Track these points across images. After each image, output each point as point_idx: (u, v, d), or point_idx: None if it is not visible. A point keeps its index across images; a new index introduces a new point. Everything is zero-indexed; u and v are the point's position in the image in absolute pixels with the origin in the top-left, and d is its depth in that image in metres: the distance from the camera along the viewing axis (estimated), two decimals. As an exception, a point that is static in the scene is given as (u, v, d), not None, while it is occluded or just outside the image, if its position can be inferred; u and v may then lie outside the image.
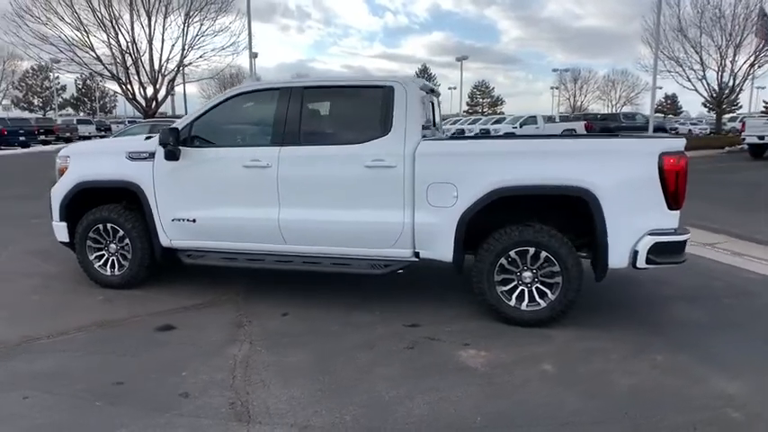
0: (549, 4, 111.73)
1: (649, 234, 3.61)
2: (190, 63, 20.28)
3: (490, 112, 73.94)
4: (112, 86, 20.02)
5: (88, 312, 4.14)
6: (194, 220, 4.38)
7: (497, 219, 3.91)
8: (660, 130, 29.52)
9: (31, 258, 5.63)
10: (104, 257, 4.69)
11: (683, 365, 3.29)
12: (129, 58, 18.78)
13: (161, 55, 19.40)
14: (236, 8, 20.43)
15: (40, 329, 3.77)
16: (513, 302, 3.88)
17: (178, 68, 20.30)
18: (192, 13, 19.08)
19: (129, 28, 18.44)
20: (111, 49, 18.42)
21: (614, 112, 49.20)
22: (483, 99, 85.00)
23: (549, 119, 34.65)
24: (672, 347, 3.53)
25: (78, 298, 4.49)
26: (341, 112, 4.31)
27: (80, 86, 58.95)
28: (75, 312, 4.14)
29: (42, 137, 27.88)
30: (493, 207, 3.82)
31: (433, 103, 4.98)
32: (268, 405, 2.82)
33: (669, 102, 77.17)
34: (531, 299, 3.88)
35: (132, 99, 19.34)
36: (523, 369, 3.25)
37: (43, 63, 34.23)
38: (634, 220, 3.63)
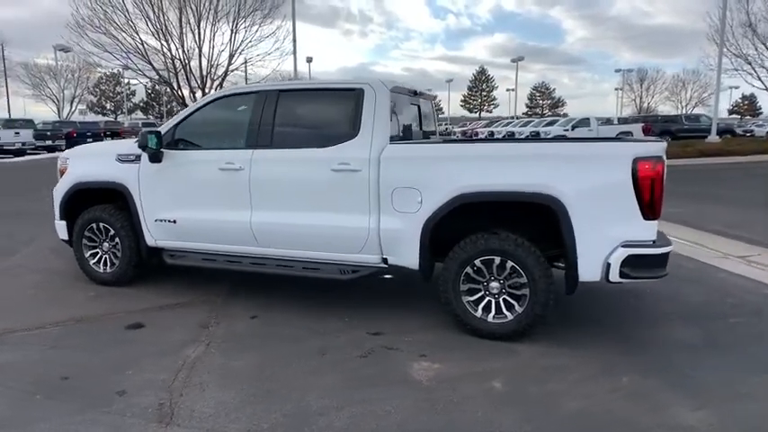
0: (616, 2, 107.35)
1: (623, 246, 3.33)
2: (236, 69, 21.16)
3: (550, 114, 71.76)
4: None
5: (73, 308, 4.34)
6: (175, 221, 4.49)
7: (470, 226, 3.74)
8: (727, 132, 27.49)
9: (47, 254, 5.98)
10: (98, 255, 4.91)
11: (647, 390, 3.00)
12: (179, 63, 19.76)
13: (209, 60, 20.29)
14: (283, 13, 20.92)
15: (20, 323, 3.98)
16: (479, 313, 3.70)
17: (225, 73, 21.16)
18: (239, 21, 19.83)
19: (179, 35, 19.40)
20: (163, 55, 19.47)
21: (678, 113, 46.29)
22: (543, 101, 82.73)
23: (607, 121, 33.09)
24: (643, 370, 3.23)
25: (71, 293, 4.72)
26: (313, 115, 4.28)
27: (149, 91, 62.55)
28: (61, 307, 4.35)
29: (109, 139, 29.85)
30: (465, 214, 3.67)
31: (419, 107, 4.86)
32: (194, 408, 2.82)
33: (747, 102, 71.90)
34: (498, 311, 3.68)
35: (182, 104, 20.29)
36: (470, 385, 3.07)
37: (113, 71, 36.69)
38: (606, 231, 3.36)
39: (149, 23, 18.84)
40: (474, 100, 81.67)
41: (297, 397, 2.94)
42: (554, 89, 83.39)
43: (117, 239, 4.76)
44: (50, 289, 4.87)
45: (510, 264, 3.57)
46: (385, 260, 3.96)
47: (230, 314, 4.23)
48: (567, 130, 26.58)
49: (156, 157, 4.42)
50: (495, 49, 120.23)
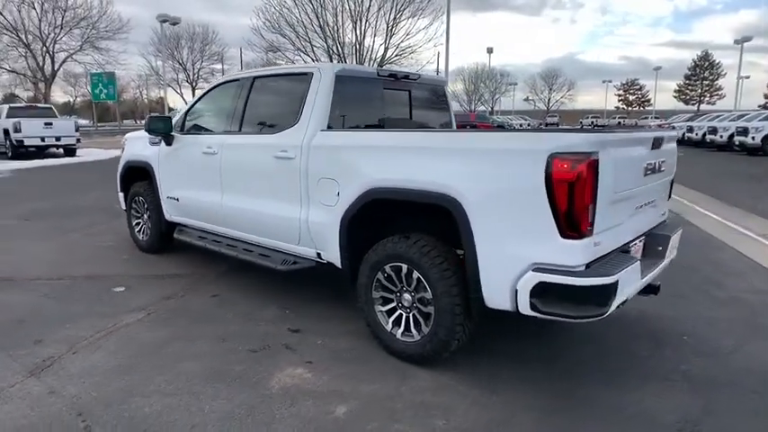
0: None
1: (534, 269, 2.56)
2: (391, 62, 21.74)
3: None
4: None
5: (97, 266, 5.07)
6: (178, 199, 4.90)
7: (397, 226, 3.31)
8: None
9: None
10: (140, 225, 5.64)
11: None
12: (337, 58, 21.17)
13: (370, 55, 21.29)
14: (434, 7, 20.75)
15: (46, 273, 4.83)
16: (389, 327, 3.25)
17: (380, 67, 21.95)
18: (398, 16, 20.42)
19: (339, 31, 20.81)
20: (328, 51, 21.08)
21: None
22: (793, 90, 66.82)
23: None
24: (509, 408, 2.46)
25: (113, 255, 5.51)
26: (273, 100, 4.20)
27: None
28: (87, 264, 5.13)
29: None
30: (390, 211, 3.26)
31: (410, 93, 4.40)
32: (67, 367, 3.07)
33: None
34: (407, 327, 3.18)
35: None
36: (315, 405, 2.73)
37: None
38: (513, 247, 2.62)
39: (315, 21, 20.61)
40: (692, 90, 69.99)
41: (141, 378, 2.95)
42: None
43: (149, 212, 5.40)
44: (105, 250, 5.73)
45: (416, 274, 3.04)
46: (319, 254, 3.73)
47: (200, 290, 4.47)
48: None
49: (168, 140, 4.88)
50: (741, 29, 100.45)
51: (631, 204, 2.89)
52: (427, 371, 3.07)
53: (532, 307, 2.57)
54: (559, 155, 2.44)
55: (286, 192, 3.77)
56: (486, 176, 2.69)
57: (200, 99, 4.86)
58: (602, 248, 2.63)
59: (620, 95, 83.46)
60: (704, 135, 23.46)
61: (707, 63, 69.16)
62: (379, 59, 21.41)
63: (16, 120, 15.22)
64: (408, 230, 3.16)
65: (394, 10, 20.41)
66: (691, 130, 25.34)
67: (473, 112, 61.05)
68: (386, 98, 4.18)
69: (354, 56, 21.48)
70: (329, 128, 3.62)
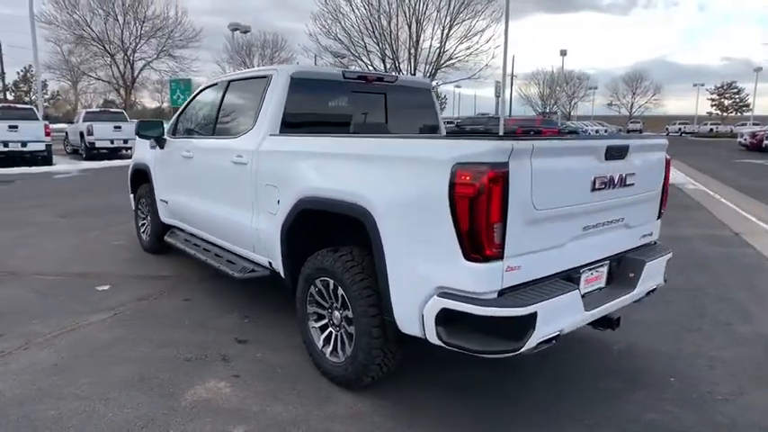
0: None
1: (439, 294, 2.27)
2: (446, 66, 21.34)
3: None
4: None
5: (96, 265, 5.27)
6: (167, 202, 4.99)
7: (343, 238, 3.12)
8: None
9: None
10: (144, 226, 5.82)
11: None
12: (391, 62, 21.09)
13: (428, 58, 21.06)
14: (494, 8, 20.08)
15: (46, 267, 5.08)
16: (320, 344, 3.06)
17: (436, 69, 21.59)
18: (454, 21, 20.06)
19: (393, 35, 20.73)
20: (382, 55, 21.10)
21: None
22: None
23: None
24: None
25: (117, 254, 5.72)
26: (240, 104, 4.12)
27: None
28: (91, 262, 5.35)
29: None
30: (325, 222, 3.08)
31: (386, 96, 4.17)
32: (14, 361, 3.18)
33: None
34: (335, 347, 2.97)
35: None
36: (216, 423, 2.60)
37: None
38: (422, 267, 2.35)
39: (367, 23, 20.71)
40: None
41: (67, 380, 2.97)
42: None
43: (150, 214, 5.56)
44: (113, 249, 5.96)
45: (341, 291, 2.83)
46: (270, 263, 3.61)
47: (177, 293, 4.49)
48: None
49: (161, 144, 4.98)
50: None
51: (576, 224, 2.50)
52: (351, 395, 2.86)
53: (438, 336, 2.28)
54: (462, 165, 2.15)
55: (241, 197, 3.69)
56: (395, 186, 2.44)
57: (189, 103, 4.92)
58: (525, 274, 2.29)
59: (713, 100, 76.75)
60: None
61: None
62: (433, 63, 21.16)
63: (89, 123, 16.53)
64: (346, 244, 2.96)
65: (451, 12, 20.09)
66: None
67: (544, 114, 58.82)
68: (356, 102, 4.00)
69: (409, 60, 21.41)
70: (282, 133, 3.50)
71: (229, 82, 4.25)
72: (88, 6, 28.12)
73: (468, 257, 2.17)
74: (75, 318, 3.89)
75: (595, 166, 2.50)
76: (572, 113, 71.30)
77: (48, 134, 15.19)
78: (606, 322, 2.81)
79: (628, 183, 2.72)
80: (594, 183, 2.49)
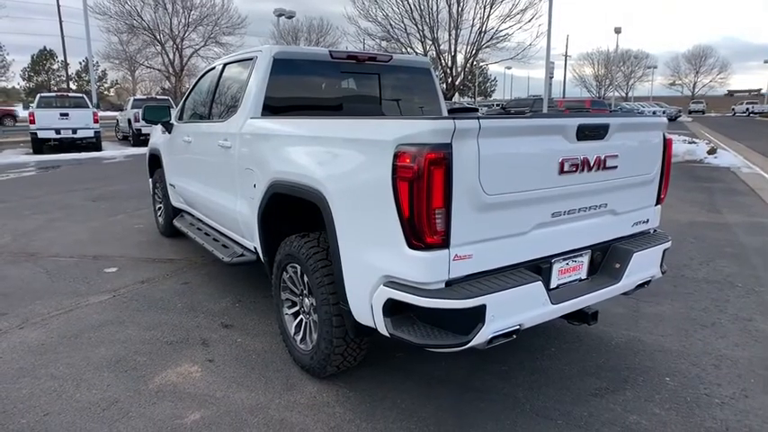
0: None
1: (385, 283, 2.15)
2: (487, 45, 20.58)
3: None
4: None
5: (111, 247, 5.44)
6: (174, 186, 5.06)
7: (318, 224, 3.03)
8: None
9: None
10: (160, 210, 5.95)
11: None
12: (430, 43, 20.59)
13: (469, 38, 20.42)
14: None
15: (65, 249, 5.28)
16: (292, 331, 3.01)
17: (477, 51, 20.92)
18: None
19: (432, 16, 20.18)
20: (421, 37, 20.64)
21: None
22: None
23: None
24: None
25: (135, 237, 5.89)
26: (230, 87, 4.05)
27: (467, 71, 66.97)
28: (107, 244, 5.52)
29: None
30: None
31: (380, 77, 4.02)
32: (6, 340, 3.31)
33: None
34: (305, 335, 2.90)
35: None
36: (176, 408, 2.60)
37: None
38: (370, 253, 2.23)
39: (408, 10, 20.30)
40: None
41: (48, 360, 3.06)
42: None
43: (163, 198, 5.67)
44: (132, 232, 6.16)
45: (306, 278, 2.76)
46: (255, 247, 3.58)
47: (178, 276, 4.56)
48: None
49: (168, 129, 5.05)
50: None
51: (542, 210, 2.29)
52: (318, 384, 2.79)
53: (386, 327, 2.17)
54: (404, 146, 2.00)
55: (227, 181, 3.67)
56: (345, 169, 2.33)
57: (193, 88, 4.94)
58: (478, 264, 2.12)
59: (787, 77, 70.77)
60: None
61: None
62: (475, 43, 20.53)
63: (136, 110, 17.16)
64: (318, 230, 2.87)
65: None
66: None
67: (599, 97, 56.25)
68: (347, 84, 3.87)
69: (449, 42, 20.86)
70: (263, 116, 3.43)
71: (224, 65, 4.22)
72: (139, -4, 29.27)
73: (410, 245, 2.03)
74: (76, 299, 4.02)
75: (564, 148, 2.27)
76: (629, 94, 67.88)
77: (96, 121, 15.92)
78: (581, 316, 2.59)
79: (609, 165, 2.47)
80: (562, 165, 2.27)
